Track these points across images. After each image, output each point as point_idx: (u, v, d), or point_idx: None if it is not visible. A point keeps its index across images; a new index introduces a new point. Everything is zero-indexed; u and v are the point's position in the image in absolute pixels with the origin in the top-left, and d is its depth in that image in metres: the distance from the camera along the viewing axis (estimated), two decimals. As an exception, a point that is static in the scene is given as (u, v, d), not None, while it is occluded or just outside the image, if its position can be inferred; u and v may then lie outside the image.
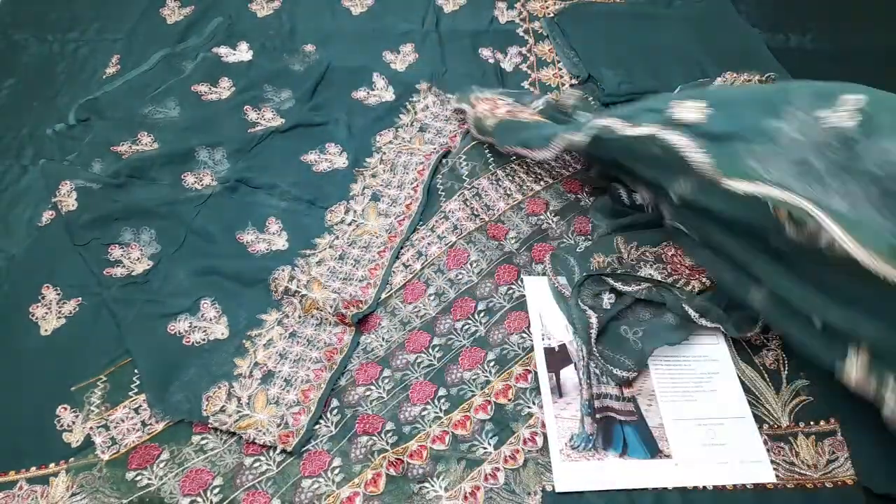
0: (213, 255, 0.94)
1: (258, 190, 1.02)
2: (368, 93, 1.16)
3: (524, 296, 0.87)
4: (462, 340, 0.84)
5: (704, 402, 0.77)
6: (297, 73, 1.21)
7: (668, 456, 0.73)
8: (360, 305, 0.86)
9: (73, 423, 0.78)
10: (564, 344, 0.82)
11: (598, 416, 0.76)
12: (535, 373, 0.80)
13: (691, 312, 0.80)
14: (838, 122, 0.66)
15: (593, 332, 0.79)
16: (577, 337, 0.81)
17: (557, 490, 0.70)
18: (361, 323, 0.86)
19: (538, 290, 0.87)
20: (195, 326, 0.86)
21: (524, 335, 0.83)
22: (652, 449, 0.74)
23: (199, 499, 0.72)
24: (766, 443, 0.74)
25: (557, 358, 0.81)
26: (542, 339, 0.82)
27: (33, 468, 0.75)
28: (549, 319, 0.84)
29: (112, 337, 0.86)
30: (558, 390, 0.78)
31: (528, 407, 0.77)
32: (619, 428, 0.75)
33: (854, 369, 0.66)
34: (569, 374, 0.79)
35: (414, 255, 0.93)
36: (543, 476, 0.72)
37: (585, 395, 0.77)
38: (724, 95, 0.79)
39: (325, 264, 0.92)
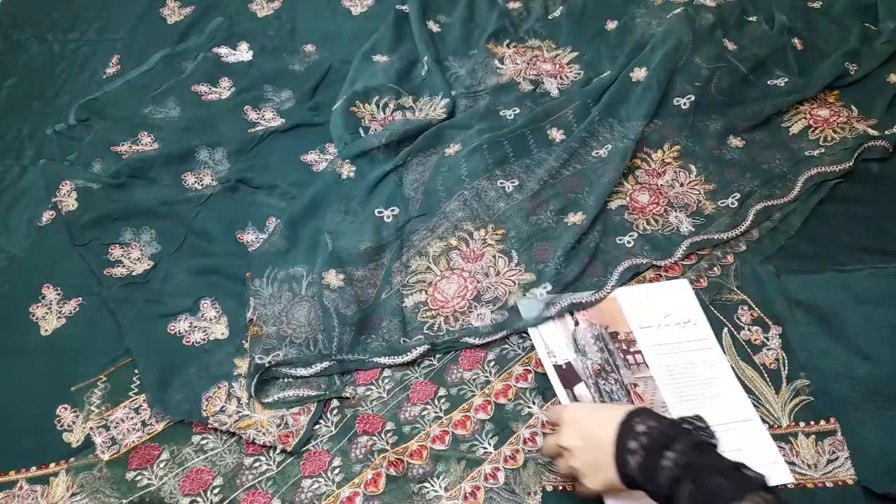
0: (213, 255, 0.94)
1: (258, 190, 1.03)
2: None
3: (524, 296, 0.87)
4: (462, 340, 0.84)
5: (713, 407, 0.75)
6: (297, 73, 1.21)
7: None
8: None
9: (73, 423, 0.78)
10: (570, 362, 0.80)
11: None
12: (536, 373, 0.80)
13: None
14: None
15: None
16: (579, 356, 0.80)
17: None
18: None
19: (531, 310, 0.84)
20: (195, 326, 0.86)
21: (524, 335, 0.83)
22: None
23: (199, 499, 0.72)
24: (766, 443, 0.74)
25: (567, 375, 0.78)
26: (549, 357, 0.80)
27: (33, 468, 0.75)
28: (550, 338, 0.82)
29: (112, 337, 0.86)
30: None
31: (528, 407, 0.77)
32: None
33: None
34: (582, 392, 0.77)
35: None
36: (543, 476, 0.72)
37: None
38: None
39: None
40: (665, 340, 0.82)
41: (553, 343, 0.81)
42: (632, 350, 0.81)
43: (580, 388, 0.77)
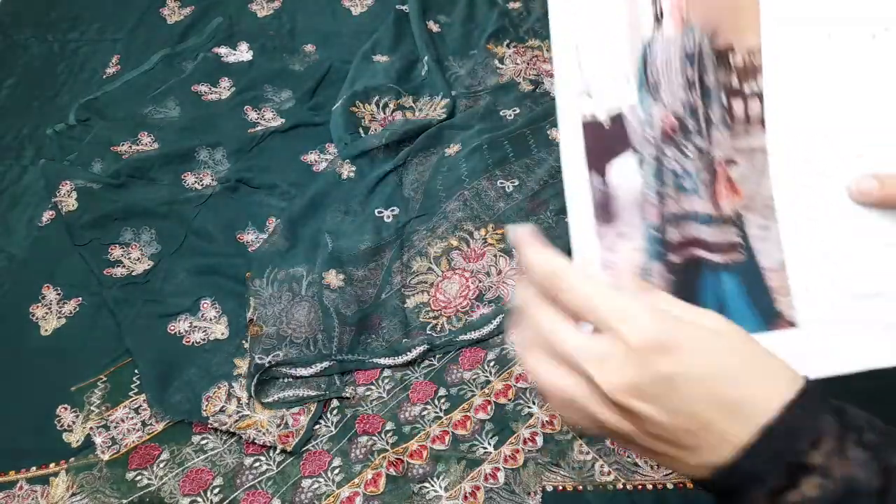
0: (213, 254, 0.94)
1: (258, 190, 1.03)
2: (368, 93, 1.17)
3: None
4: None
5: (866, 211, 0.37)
6: (297, 73, 1.21)
7: (792, 324, 0.38)
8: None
9: (73, 423, 0.78)
10: (622, 114, 0.39)
11: (676, 256, 0.39)
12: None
13: None
14: None
15: None
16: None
17: None
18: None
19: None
20: (195, 326, 0.86)
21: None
22: (766, 312, 0.38)
23: (199, 499, 0.72)
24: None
25: (604, 141, 0.39)
26: (578, 97, 0.39)
27: (33, 468, 0.75)
28: (593, 55, 0.39)
29: (112, 337, 0.86)
30: (605, 208, 0.39)
31: (529, 407, 0.77)
32: (713, 278, 0.39)
33: None
34: (624, 175, 0.39)
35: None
36: (543, 476, 0.72)
37: (654, 217, 0.39)
38: None
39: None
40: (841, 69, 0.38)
41: (596, 66, 0.39)
42: (746, 90, 0.38)
43: (621, 167, 0.39)
